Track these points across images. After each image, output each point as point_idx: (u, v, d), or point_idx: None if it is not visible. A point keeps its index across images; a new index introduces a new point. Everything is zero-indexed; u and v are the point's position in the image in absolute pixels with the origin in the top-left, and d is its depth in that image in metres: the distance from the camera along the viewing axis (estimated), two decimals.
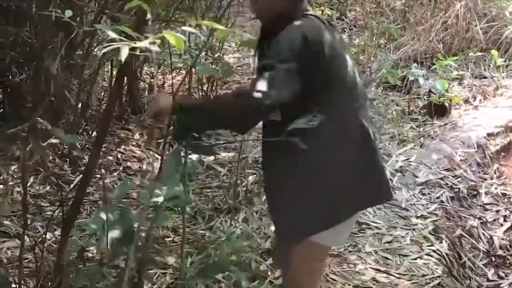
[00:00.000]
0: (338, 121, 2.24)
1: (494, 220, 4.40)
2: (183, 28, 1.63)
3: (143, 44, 1.47)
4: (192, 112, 2.19)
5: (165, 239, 3.66)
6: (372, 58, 6.58)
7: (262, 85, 2.06)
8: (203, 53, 5.30)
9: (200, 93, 5.61)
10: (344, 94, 2.29)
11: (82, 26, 3.57)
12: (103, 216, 2.48)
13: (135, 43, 1.48)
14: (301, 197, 2.27)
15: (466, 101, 6.15)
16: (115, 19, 3.41)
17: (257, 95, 2.03)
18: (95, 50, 4.58)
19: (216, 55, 5.60)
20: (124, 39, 1.59)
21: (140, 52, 1.66)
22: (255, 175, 4.50)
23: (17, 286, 2.67)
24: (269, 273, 3.24)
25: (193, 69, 5.57)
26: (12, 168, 4.20)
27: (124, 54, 1.43)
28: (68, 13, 2.18)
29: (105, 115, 2.83)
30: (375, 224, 3.90)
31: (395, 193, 4.18)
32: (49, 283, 2.80)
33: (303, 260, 2.39)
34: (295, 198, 2.27)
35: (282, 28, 2.20)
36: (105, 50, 1.45)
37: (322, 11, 7.91)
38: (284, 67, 2.07)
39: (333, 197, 2.27)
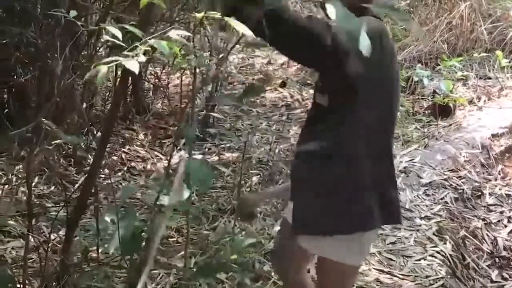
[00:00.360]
0: (374, 129, 2.21)
1: (498, 221, 4.40)
2: (172, 33, 1.62)
3: (135, 61, 1.47)
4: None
5: (169, 239, 3.67)
6: None
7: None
8: (207, 53, 5.32)
9: (204, 94, 5.62)
10: (388, 109, 2.26)
11: (87, 26, 3.58)
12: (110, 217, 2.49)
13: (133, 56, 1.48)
14: (326, 196, 2.23)
15: (471, 101, 6.14)
16: (119, 20, 3.41)
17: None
18: (100, 50, 4.60)
19: (220, 56, 5.59)
20: (123, 44, 1.60)
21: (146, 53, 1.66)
22: (259, 176, 4.51)
23: (22, 286, 2.69)
24: (272, 273, 3.24)
25: (197, 70, 5.61)
26: (17, 168, 4.23)
27: (101, 75, 1.43)
28: (73, 13, 2.19)
29: (109, 116, 2.84)
30: None
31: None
32: (54, 283, 2.81)
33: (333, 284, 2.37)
34: (322, 195, 2.24)
35: None
36: (91, 72, 1.46)
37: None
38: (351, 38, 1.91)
39: (359, 204, 2.23)
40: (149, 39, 1.59)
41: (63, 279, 2.47)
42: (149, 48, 1.51)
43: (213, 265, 1.97)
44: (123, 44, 1.53)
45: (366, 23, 1.87)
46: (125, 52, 1.56)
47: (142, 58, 1.47)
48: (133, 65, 1.45)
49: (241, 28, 1.75)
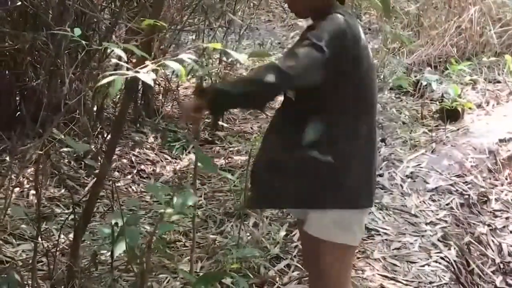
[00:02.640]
0: (353, 130, 2.35)
1: (504, 227, 4.42)
2: (181, 56, 1.68)
3: (144, 72, 1.53)
4: (217, 92, 2.19)
5: (177, 243, 3.72)
6: (386, 62, 6.61)
7: (285, 58, 2.18)
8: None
9: None
10: (364, 108, 2.38)
11: (94, 40, 3.64)
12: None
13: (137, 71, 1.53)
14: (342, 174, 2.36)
15: (479, 106, 6.16)
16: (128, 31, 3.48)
17: (275, 68, 2.12)
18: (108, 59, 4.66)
19: (230, 60, 5.65)
20: (128, 66, 1.65)
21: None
22: None
23: None
24: (277, 279, 3.29)
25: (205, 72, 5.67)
26: (28, 171, 4.30)
27: (116, 86, 1.49)
28: (77, 31, 2.25)
29: (118, 118, 2.89)
30: (384, 230, 3.94)
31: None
32: (62, 287, 2.88)
33: (332, 266, 2.45)
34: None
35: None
36: (105, 81, 1.51)
37: None
38: (316, 45, 2.15)
39: (372, 182, 2.45)
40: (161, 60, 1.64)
41: (71, 283, 2.53)
42: (158, 68, 1.56)
43: (214, 273, 2.02)
44: (129, 66, 1.58)
45: (335, 25, 2.17)
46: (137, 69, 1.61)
47: (153, 76, 1.52)
48: (148, 79, 1.50)
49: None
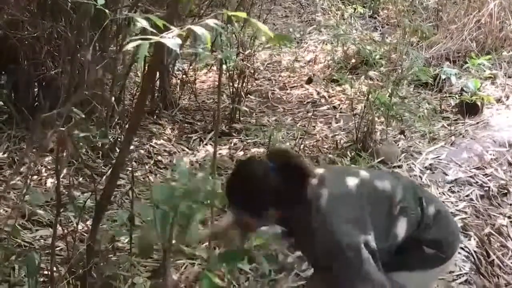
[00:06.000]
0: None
1: None
2: (207, 21, 1.64)
3: (170, 36, 1.51)
4: None
5: None
6: (404, 56, 6.56)
7: None
8: (234, 49, 5.35)
9: (231, 90, 5.67)
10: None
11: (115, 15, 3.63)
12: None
13: (161, 36, 1.51)
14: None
15: (499, 100, 6.09)
16: (148, 13, 3.46)
17: None
18: (127, 42, 4.65)
19: (247, 52, 5.63)
20: (154, 30, 1.63)
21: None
22: None
23: (49, 273, 2.75)
24: (295, 265, 3.27)
25: (224, 66, 5.67)
26: (46, 159, 4.31)
27: (143, 51, 1.46)
28: (101, 1, 2.23)
29: (137, 106, 2.88)
30: None
31: None
32: (80, 270, 2.87)
33: None
34: None
35: (300, 212, 2.24)
36: (132, 44, 1.49)
37: (355, 9, 7.92)
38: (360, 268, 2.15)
39: None
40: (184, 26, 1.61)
41: (90, 265, 2.52)
42: (183, 33, 1.53)
43: (235, 251, 2.00)
44: (154, 31, 1.56)
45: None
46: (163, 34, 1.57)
47: (178, 40, 1.49)
48: (174, 44, 1.47)
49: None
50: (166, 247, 2.17)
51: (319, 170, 2.30)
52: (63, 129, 1.99)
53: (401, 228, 2.33)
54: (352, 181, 2.30)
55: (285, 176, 2.20)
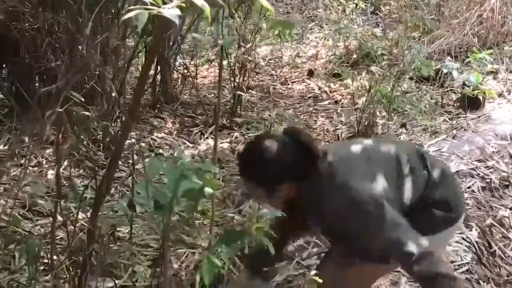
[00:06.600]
0: None
1: None
2: None
3: (169, 7, 1.49)
4: None
5: (195, 221, 3.71)
6: (406, 51, 6.55)
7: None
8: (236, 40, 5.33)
9: (232, 85, 5.66)
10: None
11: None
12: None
13: (160, 7, 1.49)
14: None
15: (500, 95, 6.08)
16: None
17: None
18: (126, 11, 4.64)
19: (248, 46, 5.63)
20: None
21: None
22: None
23: (49, 261, 2.75)
24: (296, 254, 3.26)
25: (225, 62, 5.67)
26: (47, 151, 4.31)
27: (142, 20, 1.45)
28: None
29: (136, 94, 2.86)
30: None
31: None
32: (80, 258, 2.86)
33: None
34: None
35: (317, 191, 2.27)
36: (130, 14, 1.48)
37: (356, 4, 7.91)
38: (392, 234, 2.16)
39: None
40: None
41: (90, 249, 2.51)
42: (183, 5, 1.52)
43: (236, 232, 2.00)
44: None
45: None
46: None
47: (178, 11, 1.48)
48: (172, 15, 1.46)
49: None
50: (164, 232, 2.16)
51: (326, 145, 2.39)
52: (61, 109, 1.98)
53: (410, 188, 2.36)
54: (357, 147, 2.40)
55: (298, 150, 2.26)
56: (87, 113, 2.57)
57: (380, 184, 2.24)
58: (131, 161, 4.26)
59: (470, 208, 4.03)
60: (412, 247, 2.12)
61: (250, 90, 6.13)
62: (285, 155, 2.24)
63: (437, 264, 2.12)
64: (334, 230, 2.38)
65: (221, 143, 4.96)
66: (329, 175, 2.25)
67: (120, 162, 3.86)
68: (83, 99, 2.24)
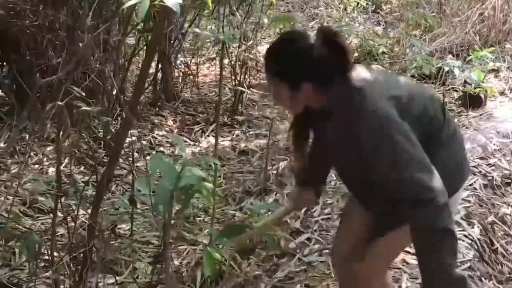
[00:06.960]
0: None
1: None
2: None
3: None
4: None
5: (196, 218, 3.70)
6: (407, 50, 6.54)
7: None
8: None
9: (233, 83, 5.65)
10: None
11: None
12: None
13: None
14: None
15: (502, 93, 6.06)
16: None
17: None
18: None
19: (250, 43, 5.62)
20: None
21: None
22: (286, 161, 4.51)
23: (49, 257, 2.74)
24: (297, 250, 3.25)
25: (226, 61, 5.65)
26: (48, 149, 4.31)
27: (144, 6, 1.44)
28: None
29: (135, 91, 2.85)
30: None
31: None
32: (81, 255, 2.85)
33: (389, 249, 2.34)
34: None
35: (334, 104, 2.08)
36: (131, 2, 1.47)
37: (358, 2, 7.89)
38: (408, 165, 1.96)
39: None
40: None
41: (90, 244, 2.51)
42: None
43: (237, 225, 1.99)
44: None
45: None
46: None
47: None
48: (173, 4, 1.45)
49: None
50: (166, 223, 2.15)
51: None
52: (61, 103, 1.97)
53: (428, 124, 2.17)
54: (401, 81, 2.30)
55: (328, 52, 2.07)
56: (88, 108, 2.56)
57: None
58: (131, 159, 4.28)
59: (472, 206, 4.01)
60: (437, 195, 1.93)
61: (251, 88, 6.12)
62: (314, 50, 2.06)
63: (453, 222, 1.97)
64: (348, 161, 2.15)
65: (222, 141, 4.96)
66: (359, 91, 2.04)
67: (121, 160, 3.87)
68: (83, 94, 2.22)
